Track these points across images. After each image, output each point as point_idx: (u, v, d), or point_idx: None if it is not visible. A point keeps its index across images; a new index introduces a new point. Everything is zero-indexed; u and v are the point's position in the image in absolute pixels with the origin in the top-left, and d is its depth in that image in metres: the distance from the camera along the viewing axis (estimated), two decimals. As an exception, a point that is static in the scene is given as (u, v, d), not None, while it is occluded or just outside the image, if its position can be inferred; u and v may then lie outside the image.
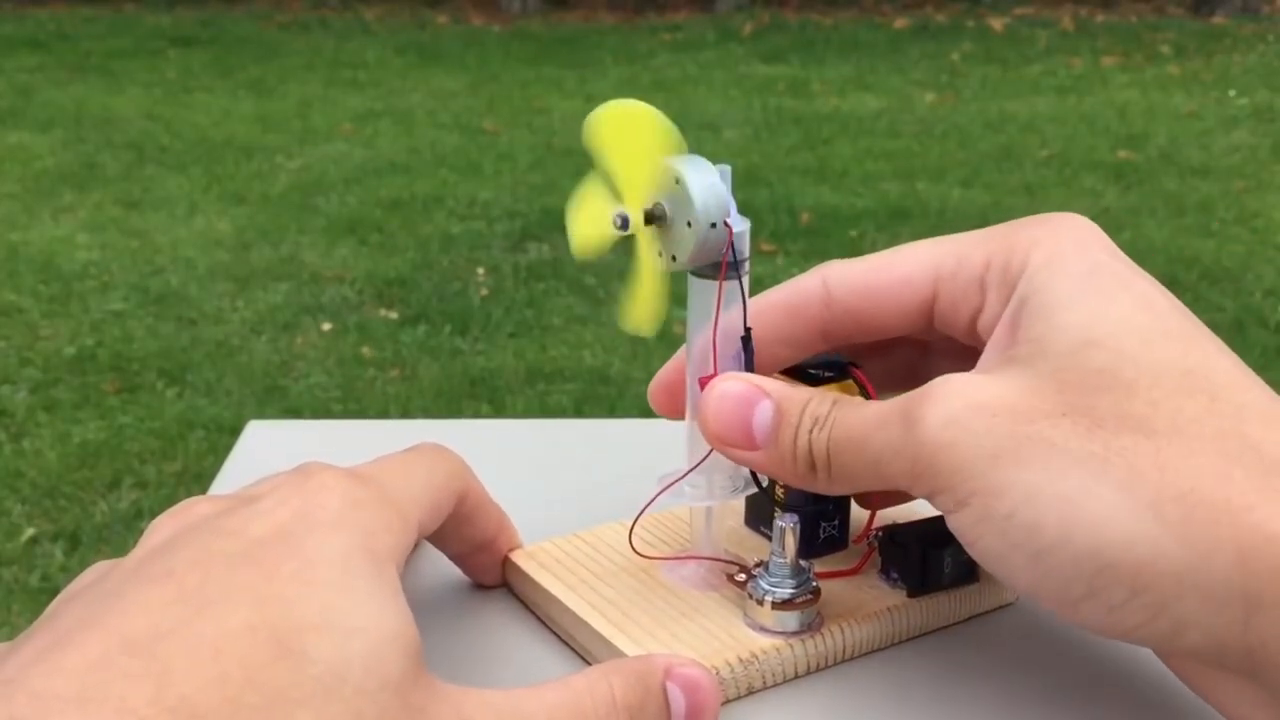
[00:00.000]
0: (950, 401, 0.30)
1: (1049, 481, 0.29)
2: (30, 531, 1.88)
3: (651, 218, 0.34)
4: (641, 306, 0.35)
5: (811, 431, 0.33)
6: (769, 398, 0.34)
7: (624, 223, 0.34)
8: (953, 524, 0.31)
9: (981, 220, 3.47)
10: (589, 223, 0.35)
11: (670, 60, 6.39)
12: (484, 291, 2.92)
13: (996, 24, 7.62)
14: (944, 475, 0.30)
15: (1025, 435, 0.29)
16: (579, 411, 2.28)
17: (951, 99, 5.36)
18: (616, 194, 0.35)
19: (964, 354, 0.37)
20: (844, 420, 0.33)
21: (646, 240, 0.34)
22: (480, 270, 3.07)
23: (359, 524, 0.29)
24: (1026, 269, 0.33)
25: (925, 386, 0.31)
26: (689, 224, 0.33)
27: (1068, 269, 0.32)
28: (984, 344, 0.34)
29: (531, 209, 3.54)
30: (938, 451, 0.30)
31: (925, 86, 5.66)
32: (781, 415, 0.33)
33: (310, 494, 0.30)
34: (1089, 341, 0.30)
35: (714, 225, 0.33)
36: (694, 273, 0.35)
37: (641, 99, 0.35)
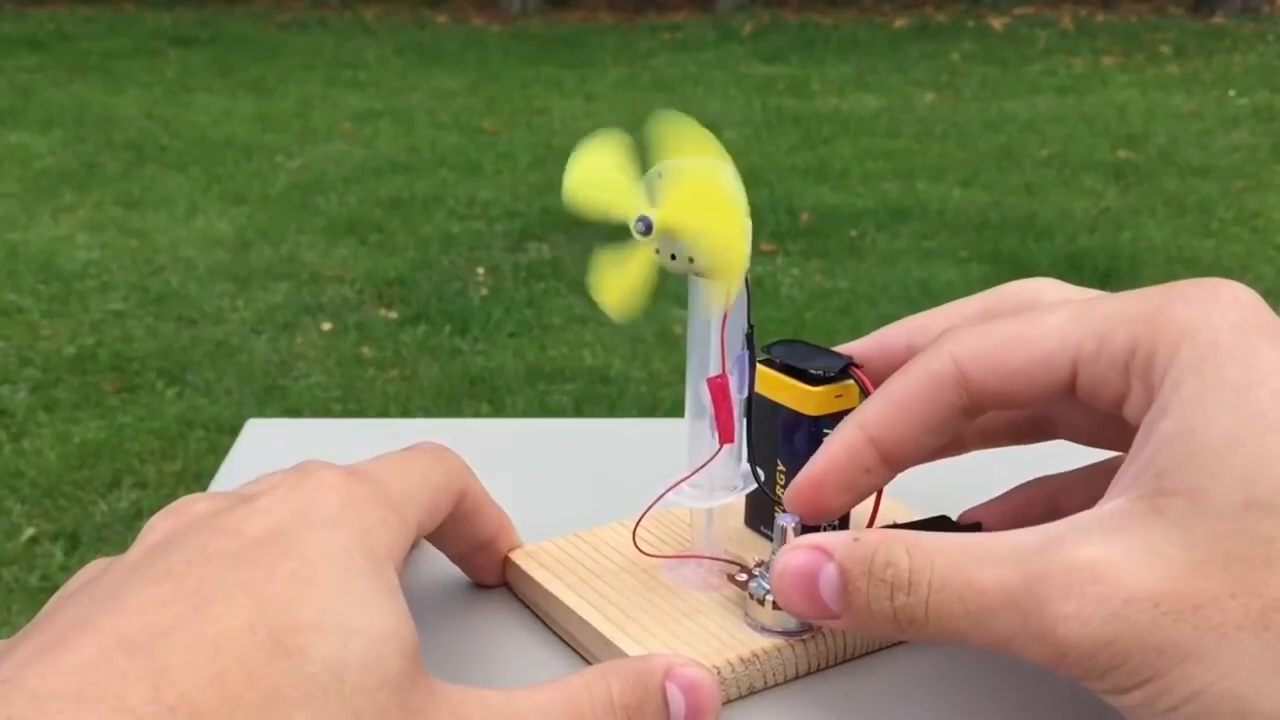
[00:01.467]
0: (1101, 598, 0.27)
1: (1219, 678, 0.27)
2: (30, 531, 1.88)
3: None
4: (628, 295, 0.34)
5: (891, 598, 0.30)
6: (832, 560, 0.32)
7: (647, 227, 0.33)
8: (1109, 700, 0.29)
9: (981, 220, 3.47)
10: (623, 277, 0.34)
11: (670, 60, 6.39)
12: (484, 291, 2.92)
13: (996, 24, 7.62)
14: (1100, 669, 0.28)
15: (1191, 626, 0.27)
16: (579, 411, 2.28)
17: (951, 99, 5.36)
18: (615, 213, 0.34)
19: (1091, 421, 0.36)
20: (950, 585, 0.30)
21: (646, 239, 0.34)
22: (480, 270, 3.07)
23: (357, 523, 0.29)
24: (1172, 368, 0.29)
25: (1055, 555, 0.28)
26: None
27: (1223, 379, 0.28)
28: (1129, 425, 0.31)
29: (531, 209, 3.54)
30: (1096, 651, 0.28)
31: (925, 86, 5.66)
32: (846, 580, 0.31)
33: (309, 492, 0.30)
34: (1253, 503, 0.27)
35: None
36: (696, 272, 0.35)
37: (641, 99, 0.34)
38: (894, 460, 0.34)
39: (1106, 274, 3.01)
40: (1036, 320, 0.33)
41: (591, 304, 0.34)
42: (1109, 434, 0.37)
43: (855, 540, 0.31)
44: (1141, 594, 0.27)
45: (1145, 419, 0.30)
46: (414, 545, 0.33)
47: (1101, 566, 0.28)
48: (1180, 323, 0.30)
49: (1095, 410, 0.33)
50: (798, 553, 0.32)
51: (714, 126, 0.33)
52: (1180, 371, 0.29)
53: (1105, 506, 0.29)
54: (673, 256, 0.34)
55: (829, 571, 0.32)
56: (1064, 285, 0.36)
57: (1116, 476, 0.30)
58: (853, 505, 0.35)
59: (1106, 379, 0.31)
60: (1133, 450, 0.30)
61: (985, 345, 0.33)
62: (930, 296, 2.87)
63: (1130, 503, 0.29)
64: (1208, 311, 0.30)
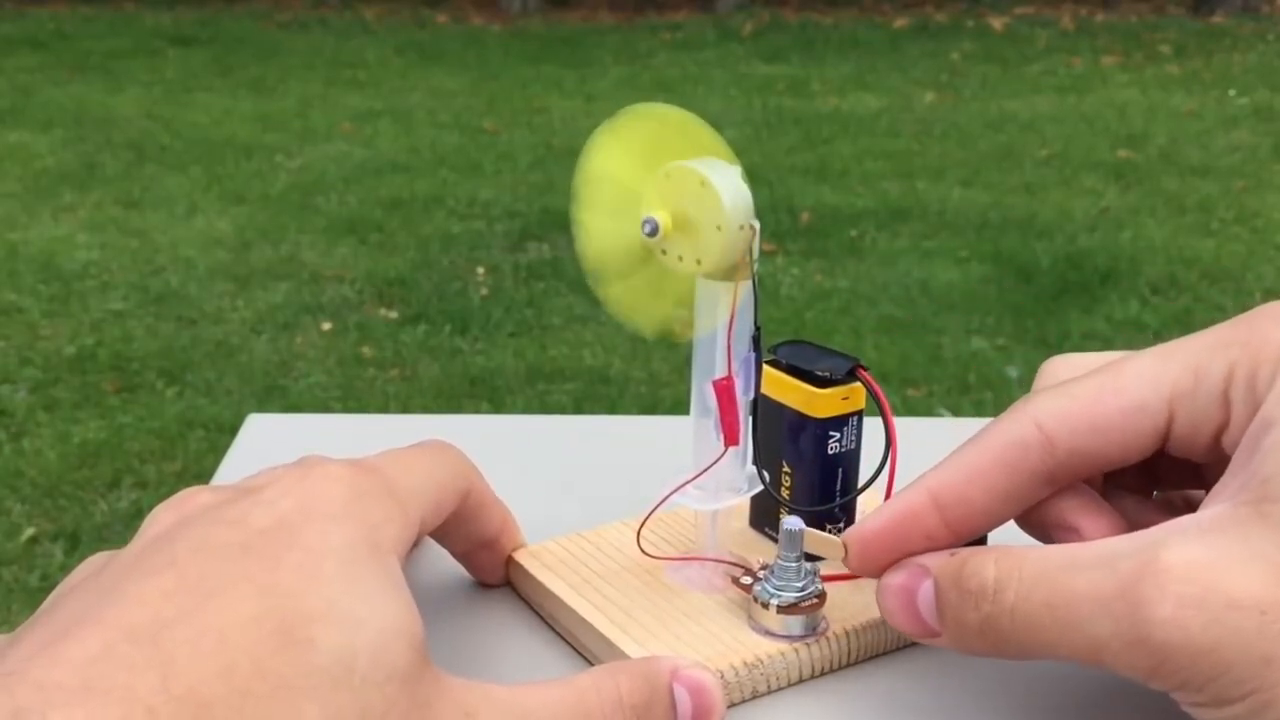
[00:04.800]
0: (1202, 602, 0.26)
1: None
2: (30, 531, 1.87)
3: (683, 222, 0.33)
4: (681, 310, 0.34)
5: (977, 608, 0.30)
6: (929, 577, 0.31)
7: (654, 229, 0.33)
8: (1203, 715, 0.28)
9: (981, 220, 3.47)
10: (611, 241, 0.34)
11: (670, 60, 6.39)
12: (484, 291, 2.92)
13: (996, 23, 7.62)
14: (1201, 679, 0.27)
15: None
16: (579, 411, 2.27)
17: (951, 98, 5.36)
18: (620, 203, 0.34)
19: (1147, 473, 0.34)
20: (1037, 592, 0.29)
21: (652, 245, 0.34)
22: (480, 270, 3.07)
23: (362, 517, 0.29)
24: (1277, 382, 0.29)
25: (1151, 556, 0.27)
26: (718, 228, 0.33)
27: None
28: (1226, 458, 0.30)
29: (531, 209, 3.53)
30: (1196, 658, 0.27)
31: (925, 86, 5.66)
32: (939, 593, 0.31)
33: (313, 485, 0.29)
34: None
35: (741, 227, 0.33)
36: (703, 274, 0.34)
37: (642, 99, 0.34)
38: (959, 530, 0.32)
39: (1106, 274, 3.00)
40: (1119, 371, 0.31)
41: (591, 304, 0.35)
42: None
43: (952, 555, 0.31)
44: (1245, 599, 0.26)
45: (1248, 432, 0.29)
46: (417, 542, 0.33)
47: (1199, 568, 0.27)
48: (1277, 340, 0.29)
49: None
50: (900, 571, 0.32)
51: (714, 126, 0.33)
52: None
53: (1205, 512, 0.29)
54: (680, 258, 0.34)
55: (926, 587, 0.31)
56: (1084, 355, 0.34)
57: (1217, 487, 0.29)
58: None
59: (1206, 412, 0.30)
60: (1234, 463, 0.29)
61: (1070, 405, 0.31)
62: (930, 296, 2.86)
63: (1233, 508, 0.28)
64: None
